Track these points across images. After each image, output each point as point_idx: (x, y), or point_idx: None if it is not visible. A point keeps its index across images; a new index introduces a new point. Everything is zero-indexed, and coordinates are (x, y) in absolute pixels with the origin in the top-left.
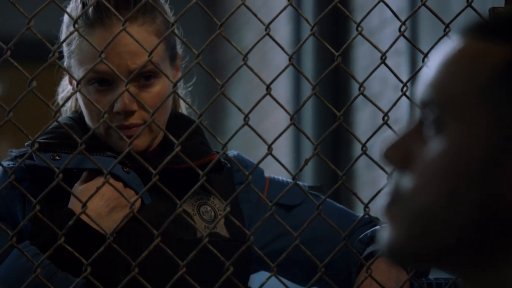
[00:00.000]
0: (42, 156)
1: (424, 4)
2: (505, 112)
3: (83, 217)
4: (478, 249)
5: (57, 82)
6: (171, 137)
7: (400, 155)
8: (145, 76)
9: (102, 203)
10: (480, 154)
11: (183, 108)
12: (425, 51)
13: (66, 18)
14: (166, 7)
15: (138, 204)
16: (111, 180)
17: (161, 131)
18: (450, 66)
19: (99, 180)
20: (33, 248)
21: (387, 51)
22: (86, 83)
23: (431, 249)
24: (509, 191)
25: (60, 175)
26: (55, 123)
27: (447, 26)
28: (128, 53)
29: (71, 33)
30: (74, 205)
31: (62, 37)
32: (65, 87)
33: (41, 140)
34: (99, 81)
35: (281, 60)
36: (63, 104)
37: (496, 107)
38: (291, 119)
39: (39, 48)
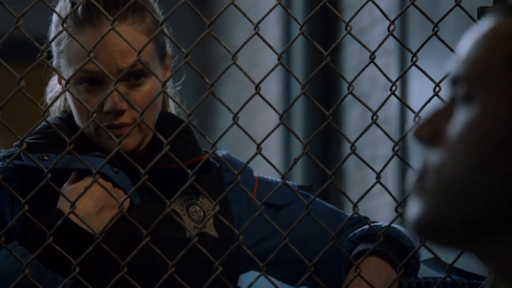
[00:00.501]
0: (31, 156)
1: (413, 4)
2: None
3: (72, 217)
4: (506, 221)
5: (45, 82)
6: (160, 136)
7: (430, 132)
8: (135, 76)
9: (91, 203)
10: (508, 125)
11: (172, 108)
12: (414, 50)
13: (55, 17)
14: (155, 6)
15: (127, 204)
16: (100, 180)
17: (150, 131)
18: (481, 43)
19: (88, 180)
20: (21, 248)
21: (376, 50)
22: (75, 83)
23: (459, 223)
24: None
25: (49, 175)
26: (43, 123)
27: (435, 25)
28: (117, 52)
29: (60, 32)
30: (62, 205)
31: (51, 36)
32: (53, 87)
33: (29, 140)
34: (89, 80)
35: (271, 60)
36: (52, 104)
37: None
38: (280, 119)
39: (27, 48)
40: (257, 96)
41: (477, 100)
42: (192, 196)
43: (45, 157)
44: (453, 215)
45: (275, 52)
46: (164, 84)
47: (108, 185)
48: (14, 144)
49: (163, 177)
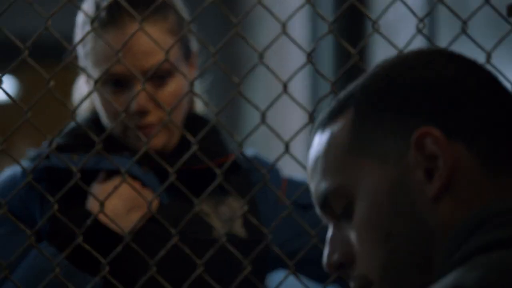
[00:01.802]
0: (60, 156)
1: (440, 1)
2: (375, 153)
3: (101, 217)
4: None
5: (71, 84)
6: (189, 136)
7: (342, 255)
8: (160, 76)
9: (119, 203)
10: (386, 195)
11: (200, 106)
12: (443, 48)
13: (79, 19)
14: (179, 4)
15: (155, 204)
16: (129, 180)
17: (177, 131)
18: (318, 163)
19: (117, 180)
20: (51, 248)
21: (404, 48)
22: (101, 84)
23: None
24: (424, 199)
25: (78, 175)
26: (72, 124)
27: (464, 22)
28: (142, 53)
29: (88, 33)
30: (92, 205)
31: (77, 38)
32: (80, 88)
33: (58, 141)
34: (114, 82)
35: (298, 59)
36: (81, 104)
37: (367, 157)
38: (309, 117)
39: (51, 49)
40: (285, 95)
41: (353, 201)
42: (220, 196)
43: (74, 158)
44: None
45: (304, 51)
46: (191, 84)
47: (137, 185)
48: (43, 145)
49: (191, 177)
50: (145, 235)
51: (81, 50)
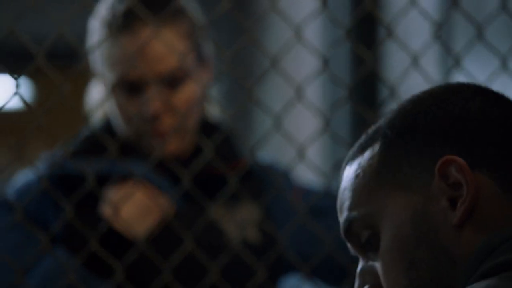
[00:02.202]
0: (74, 162)
1: (454, 4)
2: (402, 181)
3: (115, 223)
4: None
5: (84, 89)
6: (203, 141)
7: (372, 280)
8: (174, 80)
9: (133, 209)
10: (411, 224)
11: (213, 111)
12: (458, 50)
13: (94, 23)
14: (193, 6)
15: (170, 209)
16: (143, 185)
17: (191, 136)
18: (349, 190)
19: (131, 186)
20: (66, 253)
21: (419, 55)
22: (116, 89)
23: None
24: (447, 228)
25: (92, 180)
26: (85, 130)
27: (479, 26)
28: (156, 57)
29: (104, 38)
30: (106, 211)
31: (91, 42)
32: (94, 93)
33: (72, 146)
34: (128, 86)
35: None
36: (95, 109)
37: (395, 185)
38: (323, 122)
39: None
40: (296, 98)
41: (379, 230)
42: (233, 201)
43: (88, 163)
44: None
45: (320, 57)
46: (205, 89)
47: (151, 190)
48: (56, 149)
49: (205, 183)
50: (160, 241)
51: (96, 55)
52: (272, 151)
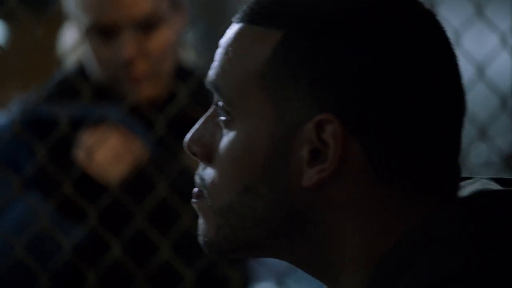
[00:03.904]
0: (47, 106)
1: None
2: (280, 99)
3: (89, 168)
4: (289, 241)
5: (57, 33)
6: (178, 87)
7: (201, 147)
8: (148, 25)
9: (107, 153)
10: (266, 145)
11: (189, 57)
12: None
13: None
14: None
15: (144, 154)
16: (117, 130)
17: (166, 80)
18: (228, 55)
19: (105, 130)
20: (39, 197)
21: None
22: (90, 33)
23: (240, 244)
24: (298, 180)
25: (66, 124)
26: (59, 74)
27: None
28: (129, 1)
29: None
30: (79, 155)
31: None
32: (66, 37)
33: (46, 90)
34: (102, 31)
35: None
36: (69, 53)
37: (271, 96)
38: None
39: None
40: None
41: (234, 118)
42: None
43: (63, 107)
44: (233, 237)
45: None
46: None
47: (125, 134)
48: (29, 93)
49: (179, 128)
50: (133, 186)
51: None
52: None
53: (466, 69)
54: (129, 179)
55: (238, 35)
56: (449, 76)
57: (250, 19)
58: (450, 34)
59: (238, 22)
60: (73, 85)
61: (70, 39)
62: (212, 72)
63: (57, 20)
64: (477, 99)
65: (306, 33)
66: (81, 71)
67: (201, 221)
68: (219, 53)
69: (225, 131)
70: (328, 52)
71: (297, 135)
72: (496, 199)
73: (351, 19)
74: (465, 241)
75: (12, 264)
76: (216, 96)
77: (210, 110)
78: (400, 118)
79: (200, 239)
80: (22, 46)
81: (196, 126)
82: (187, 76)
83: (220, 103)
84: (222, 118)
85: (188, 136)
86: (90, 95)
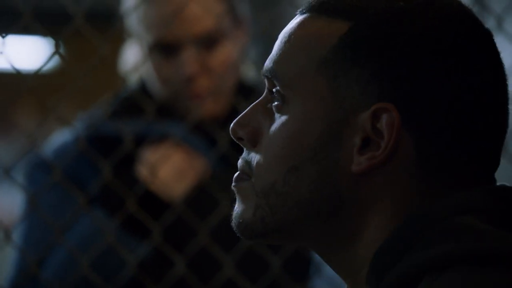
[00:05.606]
0: (112, 123)
1: None
2: (340, 86)
3: (152, 185)
4: (323, 225)
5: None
6: (240, 103)
7: (247, 131)
8: (210, 41)
9: (170, 170)
10: (320, 128)
11: (250, 74)
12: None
13: None
14: None
15: (206, 170)
16: (179, 147)
17: (228, 97)
18: (291, 43)
19: (168, 147)
20: (103, 214)
21: None
22: (152, 50)
23: (275, 226)
24: (347, 164)
25: (130, 141)
26: (121, 91)
27: None
28: (191, 18)
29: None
30: (143, 172)
31: (127, 4)
32: (129, 55)
33: (110, 107)
34: (165, 48)
35: None
36: (132, 71)
37: (331, 82)
38: None
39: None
40: None
41: (289, 103)
42: None
43: (126, 125)
44: (273, 219)
45: None
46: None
47: (188, 152)
48: (91, 111)
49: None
50: (196, 203)
51: (133, 16)
52: None
53: None
54: (192, 196)
55: (303, 23)
56: (499, 83)
57: (318, 9)
58: None
59: (302, 13)
60: (136, 102)
61: (133, 57)
62: (268, 61)
63: (119, 37)
64: None
65: (373, 25)
66: (143, 88)
67: (237, 204)
68: (279, 42)
69: (277, 115)
70: (393, 45)
71: (351, 121)
72: None
73: (418, 18)
74: (481, 229)
75: (77, 280)
76: (269, 84)
77: (260, 98)
78: (453, 118)
79: (234, 222)
80: (85, 63)
81: (243, 112)
82: (248, 93)
83: (275, 89)
84: (276, 103)
85: (234, 121)
86: (153, 112)
